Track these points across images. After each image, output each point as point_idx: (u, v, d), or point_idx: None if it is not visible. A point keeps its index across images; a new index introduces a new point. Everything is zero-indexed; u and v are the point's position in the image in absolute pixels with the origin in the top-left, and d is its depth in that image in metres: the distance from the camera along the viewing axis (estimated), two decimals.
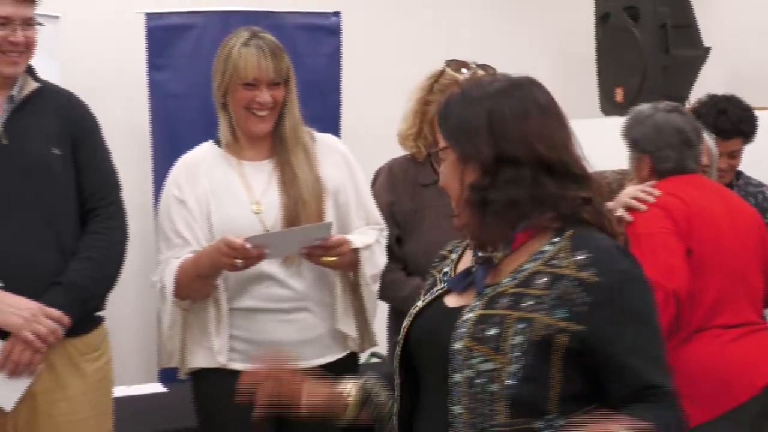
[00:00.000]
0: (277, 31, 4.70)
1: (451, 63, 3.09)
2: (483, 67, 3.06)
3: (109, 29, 4.79)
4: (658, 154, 3.01)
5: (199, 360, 2.88)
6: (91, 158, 2.81)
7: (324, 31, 4.84)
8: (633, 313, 1.77)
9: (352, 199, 2.97)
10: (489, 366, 1.76)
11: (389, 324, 3.25)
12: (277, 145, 2.93)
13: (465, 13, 5.62)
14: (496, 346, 1.76)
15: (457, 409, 1.79)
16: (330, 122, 4.50)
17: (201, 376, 2.91)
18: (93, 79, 4.39)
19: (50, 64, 4.44)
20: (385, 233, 3.01)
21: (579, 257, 1.78)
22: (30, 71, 2.78)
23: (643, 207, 2.95)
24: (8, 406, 2.60)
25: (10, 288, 2.59)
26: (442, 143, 1.95)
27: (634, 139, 3.07)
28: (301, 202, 2.85)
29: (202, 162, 2.96)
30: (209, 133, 4.54)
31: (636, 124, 3.06)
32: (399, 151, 3.31)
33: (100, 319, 2.83)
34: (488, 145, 1.86)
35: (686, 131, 3.02)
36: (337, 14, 4.85)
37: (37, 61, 4.47)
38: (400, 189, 3.16)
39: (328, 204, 2.91)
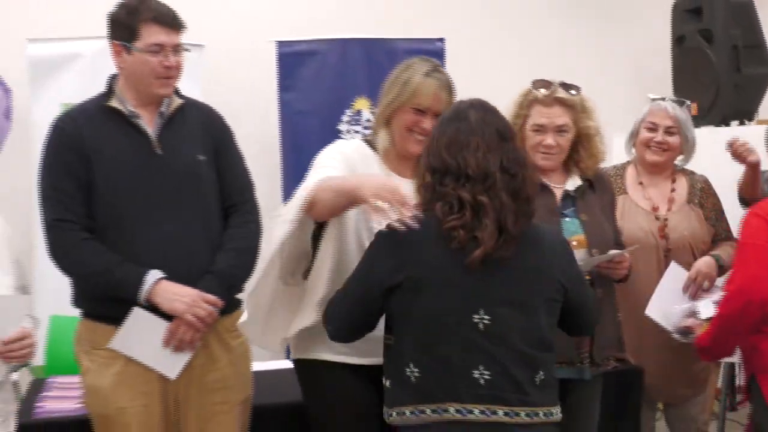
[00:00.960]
0: (389, 55, 4.86)
1: (536, 82, 3.09)
2: (565, 85, 3.05)
3: (246, 55, 4.91)
4: None
5: (307, 350, 2.77)
6: (230, 162, 2.86)
7: (430, 55, 4.80)
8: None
9: None
10: None
11: None
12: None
13: (555, 36, 5.60)
14: None
15: None
16: None
17: (306, 363, 2.80)
18: (231, 98, 4.49)
19: (193, 86, 4.58)
20: None
21: None
22: (174, 89, 2.84)
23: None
24: (173, 375, 2.70)
25: (171, 277, 2.66)
26: None
27: None
28: None
29: (358, 154, 2.80)
30: (328, 143, 4.65)
31: None
32: None
33: (240, 302, 2.88)
34: (428, 158, 2.32)
35: None
36: (441, 40, 4.87)
37: (182, 84, 4.64)
38: None
39: None
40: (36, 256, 4.47)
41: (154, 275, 2.63)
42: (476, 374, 2.21)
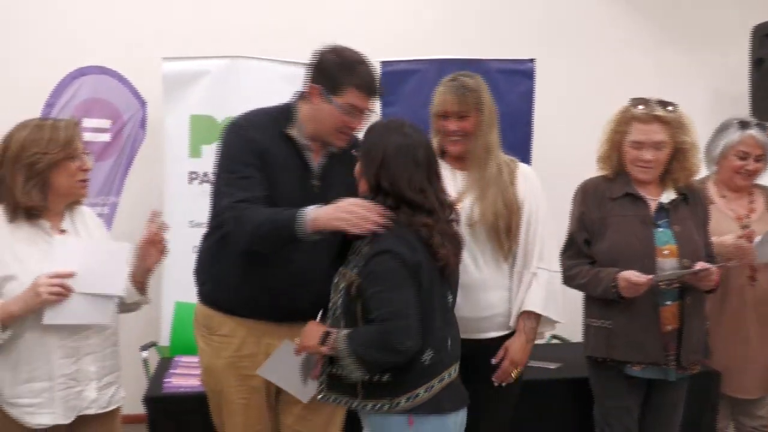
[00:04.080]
0: (482, 74, 4.77)
1: (634, 100, 3.03)
2: (662, 102, 2.98)
3: None
4: None
5: None
6: None
7: (521, 75, 4.78)
8: (374, 272, 2.27)
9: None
10: (334, 299, 2.40)
11: (585, 306, 3.18)
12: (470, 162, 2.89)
13: (639, 59, 5.45)
14: (335, 288, 2.40)
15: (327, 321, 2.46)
16: (523, 150, 4.48)
17: None
18: None
19: None
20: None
21: (368, 239, 2.32)
22: None
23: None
24: (305, 400, 2.67)
25: (294, 300, 2.61)
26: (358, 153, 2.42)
27: None
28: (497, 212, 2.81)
29: None
30: None
31: None
32: (578, 175, 3.26)
33: None
34: (375, 174, 2.34)
35: None
36: (531, 61, 4.80)
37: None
38: (590, 201, 3.11)
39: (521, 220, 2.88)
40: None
41: (309, 209, 2.45)
42: (448, 342, 2.41)
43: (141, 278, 2.69)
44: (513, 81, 4.76)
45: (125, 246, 2.57)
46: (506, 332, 2.87)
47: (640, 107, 2.98)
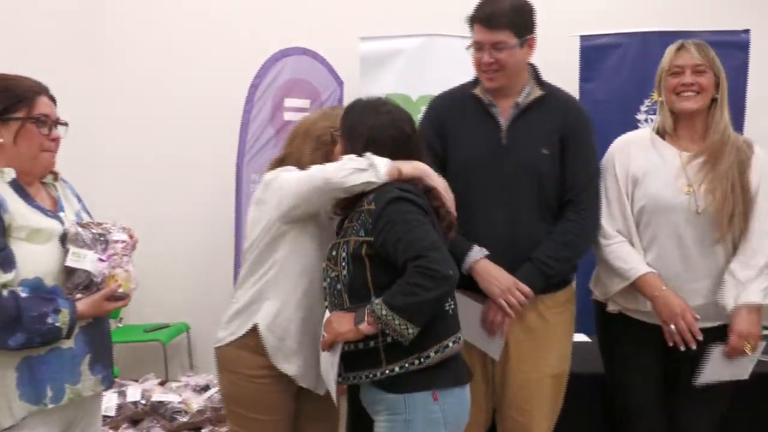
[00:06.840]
0: None
1: None
2: None
3: (550, 49, 4.79)
4: None
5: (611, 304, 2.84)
6: (574, 156, 2.70)
7: (733, 47, 4.48)
8: (392, 220, 2.18)
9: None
10: (334, 274, 2.27)
11: None
12: (709, 142, 2.76)
13: None
14: (335, 261, 2.27)
15: (326, 303, 2.33)
16: (734, 126, 4.18)
17: (609, 318, 2.85)
18: None
19: None
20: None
21: (369, 198, 2.25)
22: (538, 80, 2.78)
23: None
24: (497, 357, 2.69)
25: (497, 257, 2.62)
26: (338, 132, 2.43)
27: None
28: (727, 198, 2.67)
29: (639, 139, 2.88)
30: (625, 130, 4.42)
31: None
32: None
33: (568, 282, 2.81)
34: (363, 151, 2.30)
35: None
36: (746, 32, 4.48)
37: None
38: None
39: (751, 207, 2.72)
40: None
41: (477, 253, 2.62)
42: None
43: None
44: (725, 54, 4.37)
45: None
46: (710, 324, 2.75)
47: None
